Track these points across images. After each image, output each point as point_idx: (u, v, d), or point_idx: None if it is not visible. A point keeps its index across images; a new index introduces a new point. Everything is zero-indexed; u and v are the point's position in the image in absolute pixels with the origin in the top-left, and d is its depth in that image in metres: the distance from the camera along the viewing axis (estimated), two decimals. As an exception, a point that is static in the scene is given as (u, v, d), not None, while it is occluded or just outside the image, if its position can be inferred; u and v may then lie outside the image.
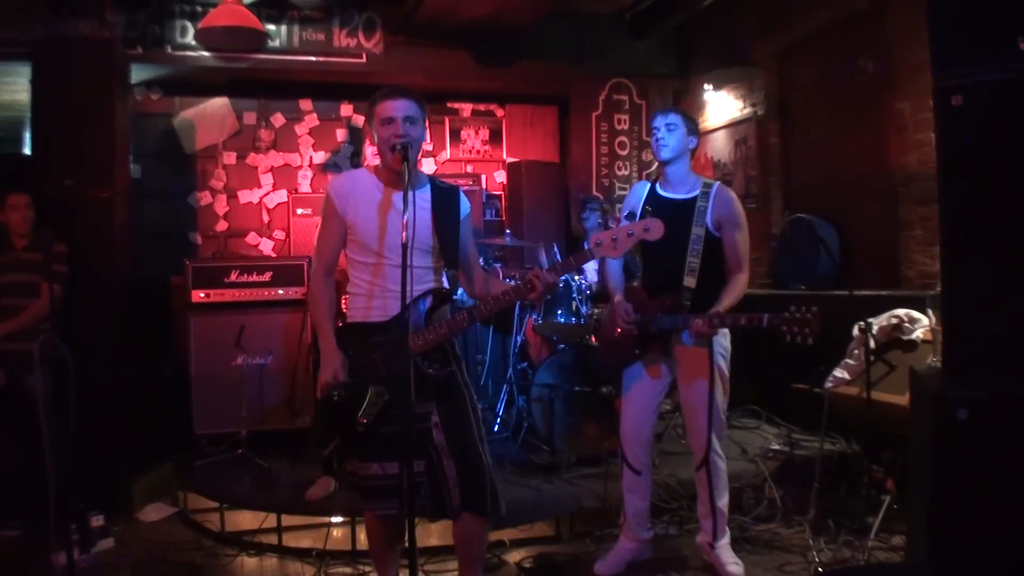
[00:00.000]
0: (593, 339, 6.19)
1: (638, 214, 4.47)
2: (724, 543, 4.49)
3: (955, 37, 3.37)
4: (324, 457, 5.52)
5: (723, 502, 4.47)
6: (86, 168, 6.07)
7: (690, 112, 5.29)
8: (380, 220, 3.54)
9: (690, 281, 4.31)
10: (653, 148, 4.50)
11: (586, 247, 3.51)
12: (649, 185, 4.60)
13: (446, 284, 3.68)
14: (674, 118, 4.42)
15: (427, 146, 9.32)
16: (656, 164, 4.73)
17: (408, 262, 3.17)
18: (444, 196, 3.67)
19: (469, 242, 3.78)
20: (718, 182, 4.48)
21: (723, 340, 4.42)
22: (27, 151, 8.11)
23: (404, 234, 3.18)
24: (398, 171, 3.46)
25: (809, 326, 3.86)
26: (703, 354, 4.29)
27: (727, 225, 4.34)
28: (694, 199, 4.39)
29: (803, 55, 7.57)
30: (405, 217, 3.20)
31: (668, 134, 4.39)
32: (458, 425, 3.56)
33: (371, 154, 5.23)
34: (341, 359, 3.52)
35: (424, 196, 3.61)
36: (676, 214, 4.35)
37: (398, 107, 3.49)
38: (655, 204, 4.48)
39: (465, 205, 3.72)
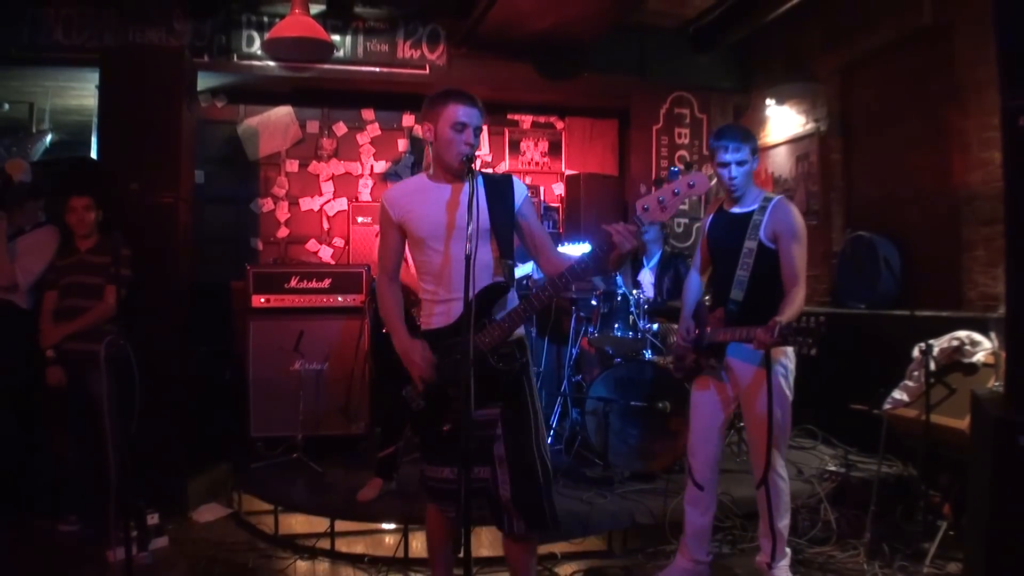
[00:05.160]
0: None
1: (704, 235, 4.53)
2: (783, 565, 4.40)
3: (1023, 56, 3.33)
4: (379, 459, 5.56)
5: (783, 524, 4.37)
6: (151, 173, 6.16)
7: (751, 128, 5.22)
8: (438, 216, 3.56)
9: (737, 294, 4.28)
10: (723, 179, 4.37)
11: (636, 217, 3.32)
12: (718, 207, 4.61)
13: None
14: (745, 153, 4.31)
15: (485, 157, 9.40)
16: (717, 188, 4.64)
17: (472, 270, 3.17)
18: (497, 185, 3.65)
19: (534, 224, 3.72)
20: (780, 196, 4.40)
21: (785, 361, 4.34)
22: (94, 155, 8.26)
23: (468, 245, 3.18)
24: (457, 171, 3.52)
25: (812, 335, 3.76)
26: (762, 373, 4.22)
27: (783, 236, 4.24)
28: (751, 213, 4.35)
29: (867, 71, 7.50)
30: (470, 229, 3.20)
31: (739, 169, 4.32)
32: (521, 439, 3.55)
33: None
34: (422, 344, 3.56)
35: (478, 187, 3.58)
36: (734, 228, 4.37)
37: (472, 116, 3.54)
38: (720, 220, 4.51)
39: (520, 190, 3.67)
